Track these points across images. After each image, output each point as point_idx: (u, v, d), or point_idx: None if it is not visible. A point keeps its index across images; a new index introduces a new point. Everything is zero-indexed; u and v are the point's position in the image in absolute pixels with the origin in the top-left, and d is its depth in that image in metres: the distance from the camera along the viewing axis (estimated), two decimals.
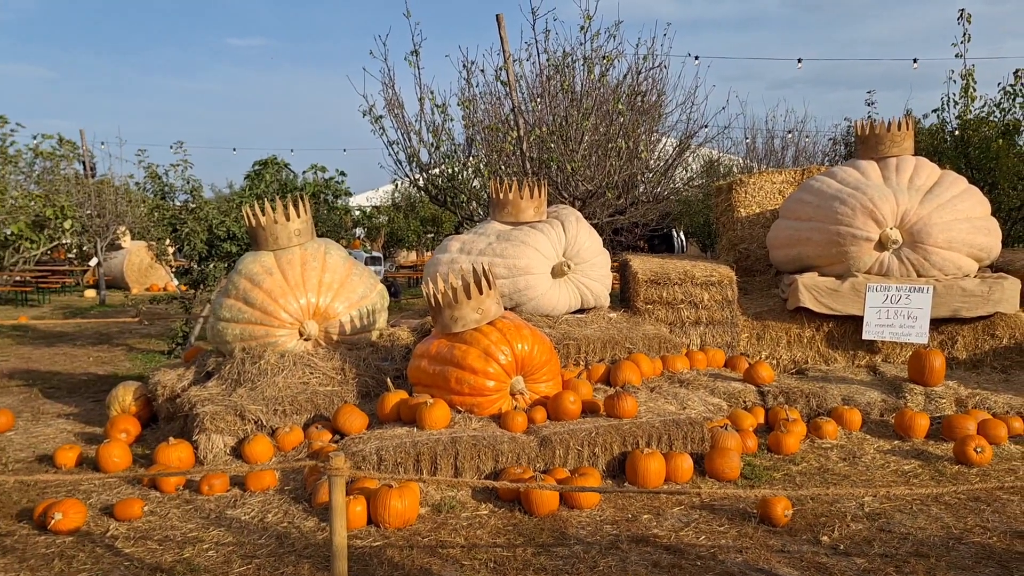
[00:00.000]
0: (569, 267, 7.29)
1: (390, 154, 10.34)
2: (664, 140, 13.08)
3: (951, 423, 5.97)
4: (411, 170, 10.38)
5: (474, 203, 10.36)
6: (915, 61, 16.90)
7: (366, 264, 19.08)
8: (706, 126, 12.45)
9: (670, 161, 12.66)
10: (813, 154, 21.14)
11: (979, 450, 5.41)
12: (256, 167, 11.10)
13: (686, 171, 14.85)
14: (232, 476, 5.18)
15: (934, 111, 11.41)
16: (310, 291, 6.49)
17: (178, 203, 10.69)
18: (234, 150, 36.67)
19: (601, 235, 12.51)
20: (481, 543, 4.21)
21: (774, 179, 9.46)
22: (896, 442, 6.00)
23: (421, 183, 10.51)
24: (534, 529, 4.40)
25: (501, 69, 9.75)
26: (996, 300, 7.22)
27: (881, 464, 5.53)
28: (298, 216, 6.72)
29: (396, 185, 11.90)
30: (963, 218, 7.36)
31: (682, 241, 24.16)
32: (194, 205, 10.17)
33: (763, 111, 39.90)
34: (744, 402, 6.59)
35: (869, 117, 14.54)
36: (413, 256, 28.42)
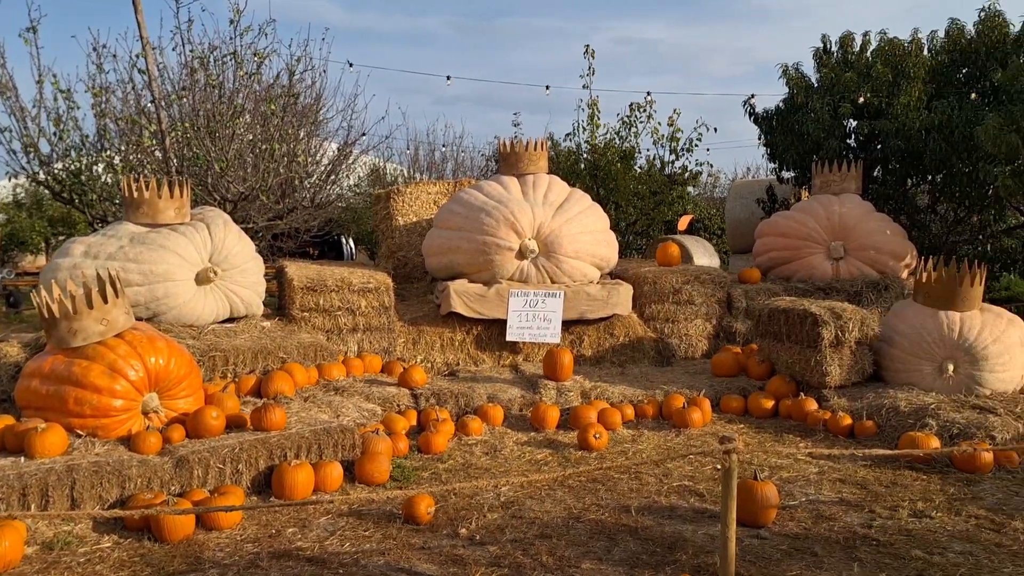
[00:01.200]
0: (215, 273, 6.85)
1: (1, 143, 8.89)
2: (325, 145, 12.99)
3: (576, 413, 6.67)
4: (29, 162, 9.02)
5: (108, 203, 9.31)
6: (547, 88, 18.84)
7: None
8: (365, 134, 12.64)
9: (331, 167, 12.59)
10: (471, 168, 22.51)
11: (597, 436, 6.11)
12: None
13: (349, 178, 14.89)
14: None
15: (567, 135, 12.82)
16: None
17: None
18: None
19: (260, 241, 11.99)
20: None
21: (429, 190, 9.85)
22: (532, 434, 6.55)
23: (42, 177, 9.18)
24: (165, 557, 4.03)
25: (139, 56, 8.90)
26: (614, 303, 8.25)
27: (518, 455, 5.99)
28: None
29: (9, 180, 10.19)
30: (587, 231, 8.31)
31: (351, 248, 24.22)
32: None
33: (425, 124, 41.78)
34: (398, 406, 6.73)
35: (516, 137, 15.85)
36: (42, 261, 24.82)
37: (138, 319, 6.67)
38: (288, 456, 5.13)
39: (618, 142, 12.35)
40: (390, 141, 18.91)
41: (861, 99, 10.82)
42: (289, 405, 6.08)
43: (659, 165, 12.92)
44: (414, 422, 6.57)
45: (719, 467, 5.76)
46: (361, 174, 20.10)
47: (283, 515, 4.63)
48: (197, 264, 6.85)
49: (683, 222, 20.08)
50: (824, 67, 12.80)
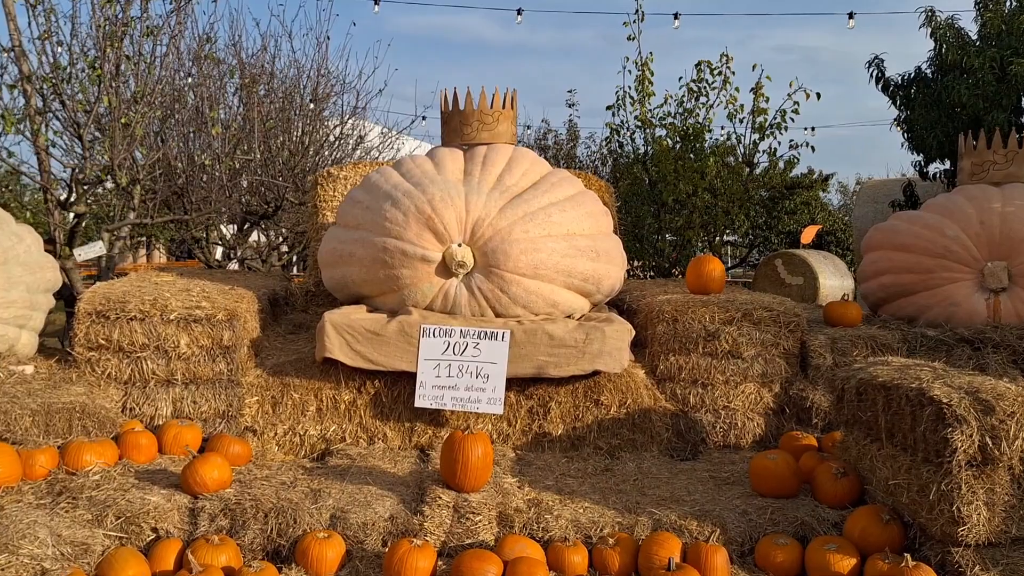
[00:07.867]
0: None
1: None
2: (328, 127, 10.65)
3: (459, 568, 3.60)
4: None
5: None
6: (519, 11, 15.14)
7: None
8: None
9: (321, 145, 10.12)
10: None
11: None
12: None
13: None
14: None
15: (608, 108, 9.42)
16: None
17: None
18: None
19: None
20: None
21: (368, 172, 6.97)
22: None
23: None
24: None
25: None
26: (594, 353, 4.99)
27: None
28: None
29: None
30: (560, 234, 5.13)
31: None
32: None
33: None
34: (155, 530, 3.88)
35: (571, 120, 12.66)
36: None
37: None
38: None
39: (680, 118, 8.89)
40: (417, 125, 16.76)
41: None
42: None
43: (743, 151, 9.45)
44: (169, 566, 3.70)
45: None
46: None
47: None
48: None
49: (807, 234, 16.42)
50: (990, 13, 9.08)
